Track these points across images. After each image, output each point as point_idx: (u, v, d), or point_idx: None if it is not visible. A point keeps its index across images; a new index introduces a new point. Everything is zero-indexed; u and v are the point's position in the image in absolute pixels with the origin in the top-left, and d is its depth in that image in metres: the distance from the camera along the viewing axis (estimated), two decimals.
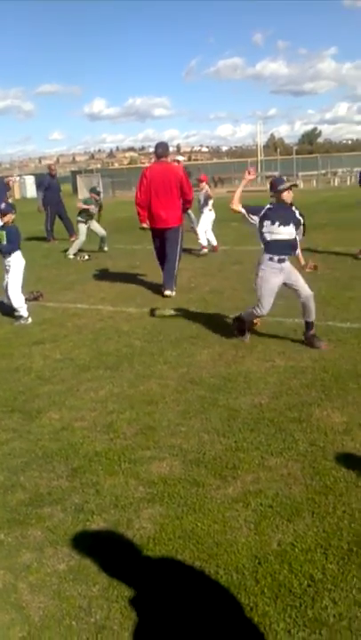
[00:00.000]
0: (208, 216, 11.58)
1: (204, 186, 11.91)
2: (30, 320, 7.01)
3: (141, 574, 2.57)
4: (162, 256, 8.23)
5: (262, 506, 3.00)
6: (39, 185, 15.58)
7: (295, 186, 5.61)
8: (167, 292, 7.97)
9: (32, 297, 8.18)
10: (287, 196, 5.36)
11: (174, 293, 7.99)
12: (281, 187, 5.37)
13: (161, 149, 8.08)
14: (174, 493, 3.18)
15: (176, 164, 12.84)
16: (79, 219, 12.08)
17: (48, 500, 3.22)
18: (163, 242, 8.09)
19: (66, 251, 12.34)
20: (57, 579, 2.57)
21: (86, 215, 11.98)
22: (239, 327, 5.79)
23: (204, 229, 11.51)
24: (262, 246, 5.43)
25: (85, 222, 12.02)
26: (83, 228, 12.07)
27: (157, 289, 8.52)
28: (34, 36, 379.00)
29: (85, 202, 12.26)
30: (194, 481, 3.29)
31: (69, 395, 4.71)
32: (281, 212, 5.33)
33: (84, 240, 12.09)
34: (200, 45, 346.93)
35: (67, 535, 2.89)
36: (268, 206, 5.39)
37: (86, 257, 11.75)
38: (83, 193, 36.99)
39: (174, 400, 4.46)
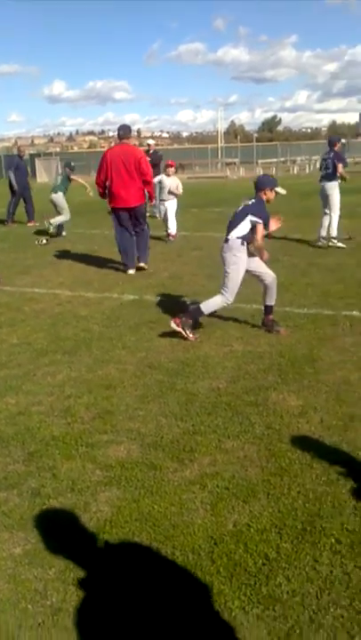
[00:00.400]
0: (174, 203, 11.44)
1: (172, 171, 11.75)
2: None
3: (98, 557, 2.57)
4: (123, 236, 8.47)
5: (219, 488, 3.03)
6: (8, 166, 15.19)
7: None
8: (142, 264, 8.51)
9: None
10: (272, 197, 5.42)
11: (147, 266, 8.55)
12: (277, 188, 5.42)
13: (122, 131, 8.33)
14: (132, 477, 3.18)
15: (148, 146, 12.95)
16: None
17: (4, 485, 3.17)
18: (126, 221, 8.35)
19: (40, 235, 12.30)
20: (12, 562, 2.55)
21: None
22: (194, 322, 5.46)
23: (173, 216, 11.38)
24: (239, 235, 5.30)
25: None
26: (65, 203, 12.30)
27: (116, 274, 8.48)
28: None
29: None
30: (151, 464, 3.30)
31: (26, 379, 4.65)
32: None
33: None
34: (162, 29, 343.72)
35: (22, 519, 2.86)
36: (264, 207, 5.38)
37: (44, 241, 11.58)
38: (42, 176, 36.38)
39: (132, 384, 4.45)
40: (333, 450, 3.36)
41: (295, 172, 35.53)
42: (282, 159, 39.39)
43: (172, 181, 11.38)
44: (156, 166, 14.18)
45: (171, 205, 11.34)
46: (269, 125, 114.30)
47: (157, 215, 12.97)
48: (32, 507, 2.96)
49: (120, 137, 8.33)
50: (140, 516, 2.83)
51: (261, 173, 5.54)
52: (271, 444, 3.46)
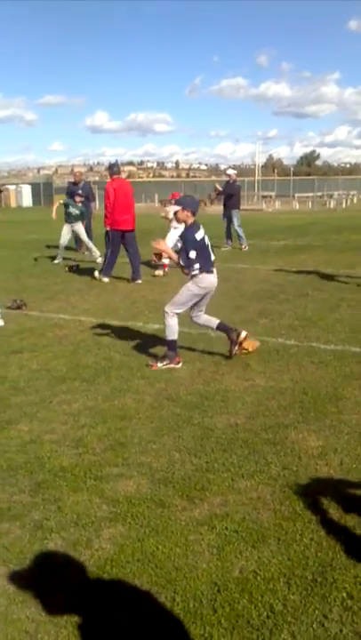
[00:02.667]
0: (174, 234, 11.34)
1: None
2: (2, 323, 7.11)
3: (94, 599, 2.45)
4: (116, 252, 10.12)
5: (227, 530, 2.89)
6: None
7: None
8: (139, 281, 10.04)
9: (15, 305, 8.09)
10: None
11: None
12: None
13: (117, 168, 10.38)
14: (138, 513, 3.06)
15: (228, 177, 14.27)
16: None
17: (7, 516, 3.09)
18: (124, 242, 10.05)
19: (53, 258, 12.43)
20: (5, 600, 2.44)
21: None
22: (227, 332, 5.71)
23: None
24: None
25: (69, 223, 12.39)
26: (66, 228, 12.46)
27: (143, 302, 8.46)
28: (41, 47, 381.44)
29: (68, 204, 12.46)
30: (160, 501, 3.18)
31: (42, 406, 4.60)
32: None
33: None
34: (204, 64, 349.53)
35: (22, 554, 2.76)
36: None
37: (74, 267, 11.68)
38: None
39: (148, 416, 4.35)
40: (352, 495, 3.19)
41: (332, 206, 35.43)
42: (319, 193, 39.31)
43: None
44: (232, 197, 14.11)
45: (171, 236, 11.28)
46: (308, 160, 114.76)
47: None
48: (33, 541, 2.86)
49: (116, 173, 10.19)
50: (142, 556, 2.71)
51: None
52: (287, 486, 3.30)
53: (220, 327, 5.73)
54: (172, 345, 5.51)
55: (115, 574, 2.59)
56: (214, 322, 5.75)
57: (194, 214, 5.41)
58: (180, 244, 5.54)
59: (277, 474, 3.45)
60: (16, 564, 2.68)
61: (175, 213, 5.55)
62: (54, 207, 13.46)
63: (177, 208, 5.55)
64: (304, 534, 2.84)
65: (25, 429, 4.18)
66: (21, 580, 2.57)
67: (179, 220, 5.55)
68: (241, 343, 5.67)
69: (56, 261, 12.53)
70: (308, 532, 2.85)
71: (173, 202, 11.53)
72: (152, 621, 2.31)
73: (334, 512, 3.02)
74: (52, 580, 2.57)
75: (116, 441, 3.95)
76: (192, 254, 5.29)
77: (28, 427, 4.23)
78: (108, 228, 9.97)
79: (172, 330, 5.49)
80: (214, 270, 5.51)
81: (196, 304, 5.65)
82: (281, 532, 2.87)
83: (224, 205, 14.43)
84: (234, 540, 2.81)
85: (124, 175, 11.64)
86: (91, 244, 12.47)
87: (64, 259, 12.64)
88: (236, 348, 5.62)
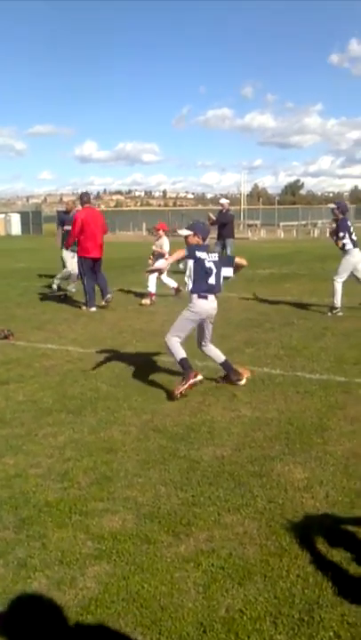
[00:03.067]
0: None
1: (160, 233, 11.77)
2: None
3: None
4: (91, 280, 10.40)
5: (214, 567, 2.86)
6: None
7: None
8: (109, 296, 10.48)
9: (2, 335, 8.07)
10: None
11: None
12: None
13: (87, 197, 10.80)
14: (123, 550, 3.03)
15: (221, 206, 14.46)
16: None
17: None
18: (93, 267, 10.37)
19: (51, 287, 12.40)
20: None
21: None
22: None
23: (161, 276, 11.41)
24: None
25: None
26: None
27: (130, 332, 8.46)
28: (31, 77, 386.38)
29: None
30: (145, 537, 3.15)
31: (27, 439, 4.56)
32: None
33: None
34: (191, 94, 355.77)
35: (5, 593, 2.71)
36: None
37: (62, 296, 11.68)
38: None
39: (134, 449, 4.33)
40: (338, 529, 3.17)
41: (316, 235, 35.88)
42: (303, 222, 39.84)
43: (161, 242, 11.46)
44: (226, 226, 14.16)
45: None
46: (292, 189, 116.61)
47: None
48: (16, 579, 2.81)
49: (86, 202, 10.60)
50: (127, 595, 2.67)
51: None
52: (273, 520, 3.29)
53: (224, 365, 5.78)
54: (183, 364, 5.53)
55: (99, 614, 2.55)
56: (221, 358, 5.79)
57: (204, 240, 5.63)
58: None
59: (263, 507, 3.44)
60: None
61: (186, 237, 5.65)
62: (58, 236, 13.15)
63: (188, 232, 5.64)
64: (291, 570, 2.82)
65: (10, 463, 4.14)
66: (4, 620, 2.53)
67: (188, 245, 5.61)
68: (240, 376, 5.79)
69: (72, 289, 12.18)
70: (294, 568, 2.83)
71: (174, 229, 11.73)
72: None
73: (321, 547, 3.00)
74: (35, 620, 2.52)
75: (101, 474, 3.92)
76: (190, 263, 5.50)
77: (13, 460, 4.18)
78: (71, 255, 10.95)
79: (176, 350, 5.55)
80: (210, 297, 5.53)
81: (200, 333, 5.72)
82: (267, 568, 2.85)
83: (218, 235, 14.55)
84: (220, 578, 2.78)
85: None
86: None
87: (58, 288, 12.49)
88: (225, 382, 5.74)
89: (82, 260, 10.31)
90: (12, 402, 5.46)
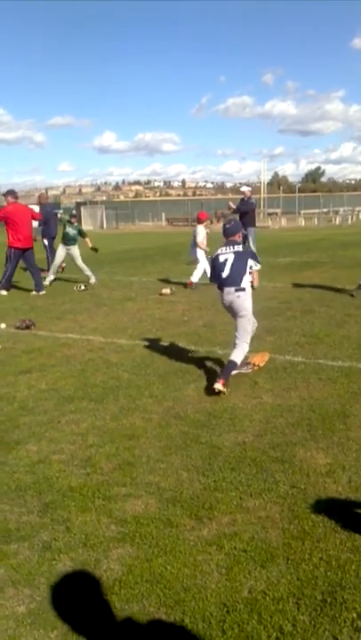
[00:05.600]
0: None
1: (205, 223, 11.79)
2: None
3: (103, 620, 2.44)
4: (14, 268, 11.15)
5: (236, 550, 2.88)
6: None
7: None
8: (43, 292, 11.25)
9: (24, 325, 8.14)
10: None
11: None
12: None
13: (16, 194, 11.64)
14: (146, 534, 3.06)
15: (242, 194, 13.95)
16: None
17: (16, 537, 3.09)
18: (24, 258, 11.10)
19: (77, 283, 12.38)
20: (14, 622, 2.44)
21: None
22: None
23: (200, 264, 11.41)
24: (248, 281, 5.50)
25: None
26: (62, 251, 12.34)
27: (150, 321, 8.49)
28: (50, 69, 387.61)
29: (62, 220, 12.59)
30: (168, 521, 3.17)
31: (50, 426, 4.61)
32: None
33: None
34: (211, 83, 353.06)
35: (30, 575, 2.76)
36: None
37: (82, 287, 11.74)
38: (87, 223, 37.42)
39: (156, 435, 4.35)
40: (360, 514, 3.17)
41: (337, 222, 35.50)
42: (324, 210, 39.44)
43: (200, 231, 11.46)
44: (247, 214, 14.03)
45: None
46: (313, 177, 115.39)
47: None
48: (41, 562, 2.86)
49: (16, 198, 11.47)
50: (151, 576, 2.70)
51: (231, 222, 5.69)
52: (295, 505, 3.29)
53: (230, 364, 5.47)
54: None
55: (123, 595, 2.58)
56: (235, 357, 5.50)
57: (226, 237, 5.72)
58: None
59: (286, 492, 3.44)
60: (24, 586, 2.68)
61: None
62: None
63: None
64: (313, 553, 2.82)
65: (34, 449, 4.20)
66: (30, 602, 2.57)
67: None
68: (249, 363, 5.72)
69: (46, 282, 12.20)
70: (316, 552, 2.84)
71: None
72: None
73: (343, 531, 3.00)
74: (60, 601, 2.57)
75: (124, 460, 3.96)
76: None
77: (36, 447, 4.24)
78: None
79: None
80: (225, 289, 5.50)
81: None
82: (290, 551, 2.86)
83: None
84: (242, 560, 2.80)
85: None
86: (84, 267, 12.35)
87: (60, 280, 12.52)
88: (245, 367, 5.68)
89: (12, 251, 11.00)
90: (34, 390, 5.52)
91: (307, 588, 2.57)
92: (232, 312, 5.61)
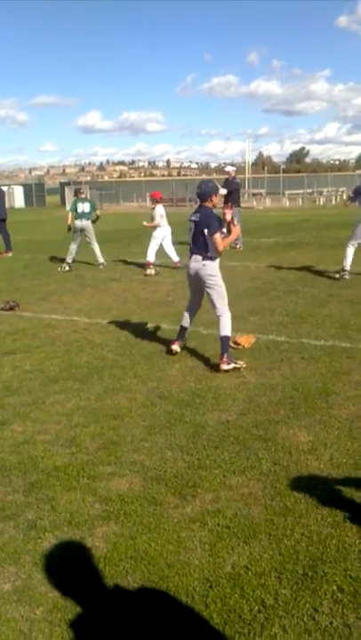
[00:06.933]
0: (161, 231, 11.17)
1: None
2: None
3: (88, 596, 2.47)
4: None
5: (219, 526, 2.92)
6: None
7: None
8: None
9: (7, 306, 8.09)
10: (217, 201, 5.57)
11: None
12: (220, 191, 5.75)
13: None
14: (131, 511, 3.09)
15: (226, 174, 14.13)
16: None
17: (1, 516, 3.11)
18: None
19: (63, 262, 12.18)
20: (0, 600, 2.47)
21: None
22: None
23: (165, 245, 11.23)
24: (211, 251, 5.36)
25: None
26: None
27: (135, 302, 8.48)
28: (33, 48, 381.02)
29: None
30: (152, 499, 3.21)
31: (35, 407, 4.62)
32: None
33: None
34: (196, 62, 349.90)
35: (16, 553, 2.78)
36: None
37: (67, 268, 11.67)
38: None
39: (140, 415, 4.38)
40: (342, 490, 3.22)
41: (321, 203, 35.51)
42: (308, 190, 39.38)
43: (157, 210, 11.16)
44: (232, 194, 13.85)
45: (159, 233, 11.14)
46: (297, 157, 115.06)
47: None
48: (27, 540, 2.89)
49: None
50: (135, 553, 2.73)
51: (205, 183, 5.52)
52: (277, 482, 3.34)
53: (182, 330, 5.89)
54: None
55: (108, 572, 2.61)
56: (185, 323, 5.89)
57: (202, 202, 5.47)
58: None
59: (268, 469, 3.49)
60: (10, 564, 2.70)
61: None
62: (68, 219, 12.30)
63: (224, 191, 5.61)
64: (295, 529, 2.87)
65: (18, 430, 4.20)
66: (16, 579, 2.60)
67: (215, 205, 5.50)
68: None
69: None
70: (298, 527, 2.89)
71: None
72: (145, 618, 2.33)
73: (324, 507, 3.05)
74: (45, 578, 2.59)
75: (108, 440, 3.98)
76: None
77: (21, 427, 4.25)
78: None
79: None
80: (192, 256, 5.46)
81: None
82: (272, 527, 2.90)
83: (225, 203, 14.34)
84: (225, 536, 2.84)
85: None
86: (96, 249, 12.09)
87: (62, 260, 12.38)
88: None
89: None
90: (19, 371, 5.51)
91: (288, 563, 2.62)
92: (198, 282, 5.51)
